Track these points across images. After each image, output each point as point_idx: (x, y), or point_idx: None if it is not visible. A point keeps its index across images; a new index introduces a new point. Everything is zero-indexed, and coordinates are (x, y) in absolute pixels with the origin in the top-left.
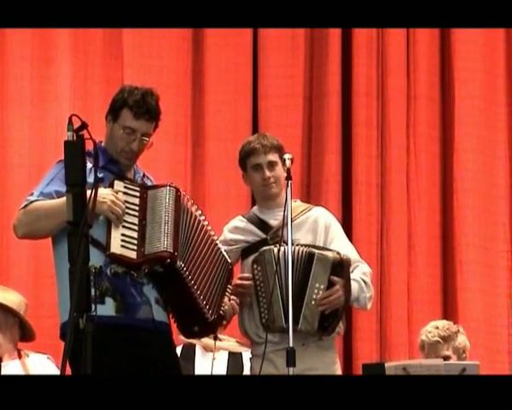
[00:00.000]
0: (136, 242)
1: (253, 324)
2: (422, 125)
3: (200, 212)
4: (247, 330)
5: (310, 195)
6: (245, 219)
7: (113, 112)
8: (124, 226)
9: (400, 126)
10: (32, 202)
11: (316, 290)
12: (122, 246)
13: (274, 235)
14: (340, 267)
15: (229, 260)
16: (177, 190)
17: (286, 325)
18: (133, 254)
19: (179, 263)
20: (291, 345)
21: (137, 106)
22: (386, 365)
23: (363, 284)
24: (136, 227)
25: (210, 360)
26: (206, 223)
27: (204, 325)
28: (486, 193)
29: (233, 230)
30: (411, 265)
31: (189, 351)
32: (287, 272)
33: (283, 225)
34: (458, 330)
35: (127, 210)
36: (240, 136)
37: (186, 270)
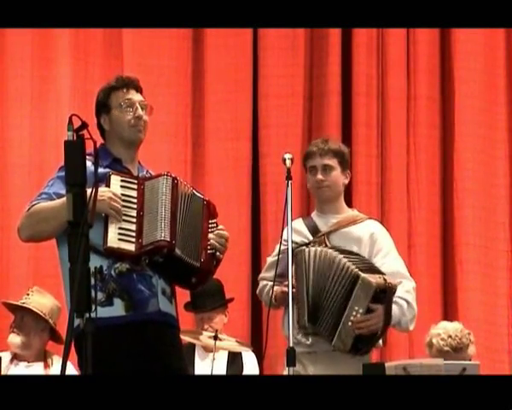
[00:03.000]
0: (133, 234)
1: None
2: (422, 124)
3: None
4: (284, 330)
5: (309, 195)
6: (302, 221)
7: (103, 106)
8: (122, 220)
9: (400, 126)
10: (33, 205)
11: (354, 313)
12: (119, 239)
13: (318, 239)
14: (383, 294)
15: (202, 197)
16: (174, 179)
17: (308, 325)
18: (131, 247)
19: (177, 251)
20: (291, 345)
21: (120, 83)
22: (386, 365)
23: (405, 306)
24: (134, 219)
25: (210, 360)
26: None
27: (198, 272)
28: (486, 193)
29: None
30: (411, 265)
31: (189, 351)
32: (314, 274)
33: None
34: (469, 341)
35: (125, 203)
36: (240, 136)
37: (184, 254)
